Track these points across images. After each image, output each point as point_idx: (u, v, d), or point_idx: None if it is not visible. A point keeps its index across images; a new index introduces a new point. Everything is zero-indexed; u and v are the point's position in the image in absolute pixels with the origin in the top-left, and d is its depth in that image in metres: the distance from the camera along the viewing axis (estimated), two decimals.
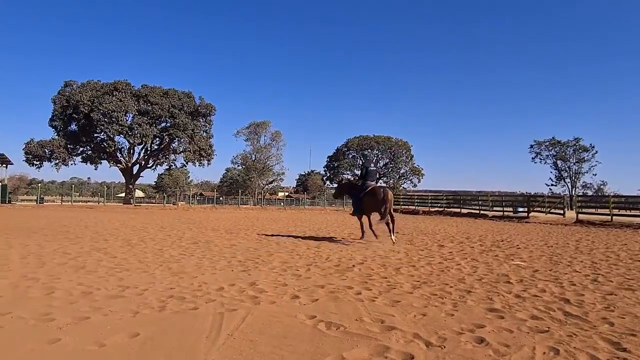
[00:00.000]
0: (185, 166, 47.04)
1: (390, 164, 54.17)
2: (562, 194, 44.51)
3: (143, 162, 43.26)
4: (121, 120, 38.28)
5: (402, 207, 31.76)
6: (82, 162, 41.49)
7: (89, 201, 46.58)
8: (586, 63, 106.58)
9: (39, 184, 49.90)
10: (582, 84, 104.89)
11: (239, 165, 55.67)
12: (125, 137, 40.18)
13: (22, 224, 11.95)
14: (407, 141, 54.48)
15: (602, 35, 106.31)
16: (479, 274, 4.94)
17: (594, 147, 47.88)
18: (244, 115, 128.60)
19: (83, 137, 39.73)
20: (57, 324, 2.79)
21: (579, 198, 21.78)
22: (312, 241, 8.45)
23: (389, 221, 8.24)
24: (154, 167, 45.02)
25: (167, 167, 47.00)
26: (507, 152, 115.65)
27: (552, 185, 51.15)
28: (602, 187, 53.23)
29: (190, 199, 48.52)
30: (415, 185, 54.63)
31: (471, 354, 2.36)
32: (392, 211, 8.31)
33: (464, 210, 24.85)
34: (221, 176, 69.60)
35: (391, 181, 53.50)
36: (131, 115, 39.65)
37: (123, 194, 46.74)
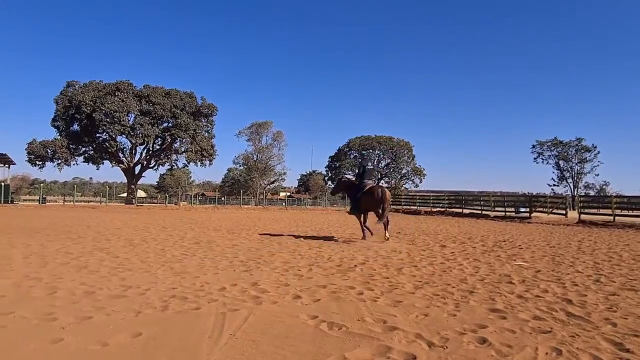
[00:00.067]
0: (187, 166, 47.13)
1: (392, 164, 54.10)
2: (564, 194, 44.42)
3: (145, 162, 43.34)
4: (123, 121, 38.36)
5: (404, 207, 31.75)
6: (84, 162, 41.68)
7: (91, 201, 46.68)
8: (588, 63, 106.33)
9: (42, 184, 50.02)
10: (584, 85, 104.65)
11: (240, 166, 55.68)
12: (127, 137, 40.27)
13: (24, 223, 11.99)
14: (408, 141, 54.44)
15: (604, 35, 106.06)
16: (481, 275, 4.94)
17: (596, 147, 47.85)
18: (245, 116, 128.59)
19: (85, 137, 39.83)
20: (59, 323, 2.80)
21: (581, 198, 21.72)
22: (313, 241, 8.45)
23: (387, 220, 8.38)
24: (155, 167, 45.12)
25: (169, 167, 47.11)
26: (509, 153, 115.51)
27: (554, 185, 51.14)
28: (604, 187, 53.14)
29: (192, 199, 48.64)
30: (416, 186, 54.59)
31: (473, 355, 2.36)
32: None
33: (466, 211, 24.81)
34: (223, 176, 69.78)
35: (393, 181, 53.44)
36: (133, 116, 39.74)
37: (125, 194, 46.80)
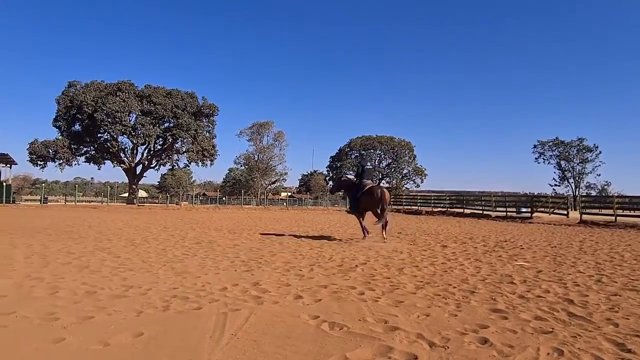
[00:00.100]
0: (188, 166, 47.21)
1: (393, 164, 54.06)
2: (565, 195, 44.27)
3: (146, 162, 43.41)
4: (124, 121, 38.43)
5: (405, 207, 31.73)
6: (85, 162, 41.76)
7: (92, 201, 46.68)
8: (589, 63, 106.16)
9: (43, 184, 50.10)
10: (585, 85, 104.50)
11: (241, 166, 55.71)
12: (128, 138, 40.36)
13: (26, 223, 12.02)
14: (409, 141, 54.41)
15: (605, 35, 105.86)
16: (482, 275, 4.93)
17: (597, 147, 47.79)
18: (245, 116, 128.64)
19: (87, 137, 39.91)
20: (61, 323, 2.80)
21: (583, 198, 21.64)
22: (314, 241, 8.45)
23: (386, 220, 8.44)
24: (157, 167, 45.17)
25: (170, 167, 47.19)
26: (510, 153, 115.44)
27: (555, 185, 51.09)
28: (606, 187, 53.08)
29: (193, 199, 48.72)
30: (418, 186, 54.53)
31: (475, 355, 2.35)
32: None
33: (467, 211, 24.78)
34: (224, 176, 69.88)
35: (394, 181, 53.40)
36: (134, 116, 39.80)
37: (126, 194, 46.90)
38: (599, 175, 49.11)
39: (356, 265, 5.49)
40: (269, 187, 56.24)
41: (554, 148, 49.86)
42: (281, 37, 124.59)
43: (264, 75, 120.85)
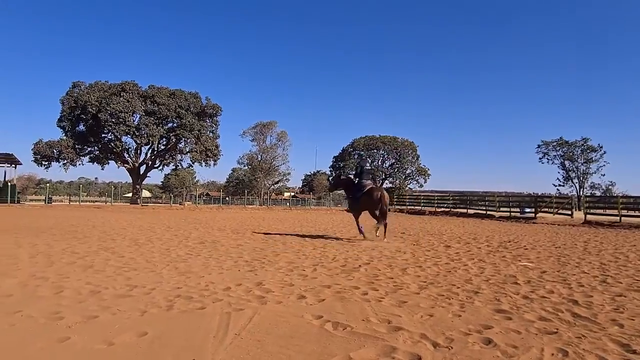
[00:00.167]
0: (192, 166, 47.23)
1: (396, 164, 53.92)
2: (569, 195, 44.14)
3: (150, 163, 43.51)
4: (128, 121, 38.54)
5: (408, 207, 31.68)
6: (89, 162, 41.83)
7: (96, 201, 46.97)
8: (590, 63, 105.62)
9: (47, 184, 50.43)
10: (587, 85, 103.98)
11: (245, 166, 55.78)
12: (132, 138, 40.45)
13: (30, 223, 12.09)
14: (413, 141, 54.25)
15: (604, 35, 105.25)
16: (486, 275, 4.91)
17: (602, 147, 47.36)
18: (247, 116, 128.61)
19: (91, 137, 40.06)
20: (66, 322, 2.82)
21: (587, 199, 21.56)
22: (318, 241, 8.46)
23: (386, 222, 8.52)
24: (160, 167, 45.24)
25: (174, 167, 47.20)
26: (513, 153, 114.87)
27: (559, 185, 50.70)
28: (610, 187, 52.61)
29: (197, 199, 48.85)
30: (421, 186, 54.34)
31: (479, 355, 2.35)
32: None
33: (471, 211, 24.70)
34: (227, 176, 69.90)
35: (397, 181, 53.29)
36: (138, 116, 39.90)
37: (130, 194, 47.11)
38: (604, 175, 48.75)
39: (359, 266, 5.48)
40: (272, 187, 56.28)
41: (558, 148, 49.52)
42: (281, 37, 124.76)
43: (264, 75, 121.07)
